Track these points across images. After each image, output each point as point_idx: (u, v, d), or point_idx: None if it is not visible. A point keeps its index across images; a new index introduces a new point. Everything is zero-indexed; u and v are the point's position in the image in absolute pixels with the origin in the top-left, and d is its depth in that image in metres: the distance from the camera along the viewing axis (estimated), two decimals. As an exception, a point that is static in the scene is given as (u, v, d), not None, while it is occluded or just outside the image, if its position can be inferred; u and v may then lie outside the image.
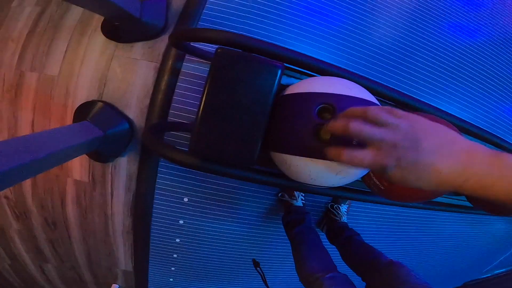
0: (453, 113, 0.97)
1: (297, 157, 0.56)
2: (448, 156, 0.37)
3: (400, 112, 0.41)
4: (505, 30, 1.78)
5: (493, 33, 1.74)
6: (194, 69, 1.27)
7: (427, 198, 0.77)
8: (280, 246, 1.68)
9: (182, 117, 1.29)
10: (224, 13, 1.27)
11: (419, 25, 1.55)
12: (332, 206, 1.61)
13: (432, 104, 0.91)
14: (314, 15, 1.37)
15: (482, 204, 1.13)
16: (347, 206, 1.62)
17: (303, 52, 0.99)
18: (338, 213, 1.58)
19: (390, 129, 0.39)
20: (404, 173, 0.39)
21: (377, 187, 0.76)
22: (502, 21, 1.77)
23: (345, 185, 0.92)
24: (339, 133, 0.42)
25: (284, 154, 0.60)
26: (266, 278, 1.19)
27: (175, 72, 1.25)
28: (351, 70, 1.25)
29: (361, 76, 0.75)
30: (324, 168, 0.55)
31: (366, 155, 0.40)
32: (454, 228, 2.17)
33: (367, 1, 1.45)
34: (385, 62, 1.49)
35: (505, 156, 0.36)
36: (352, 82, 0.60)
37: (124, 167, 1.34)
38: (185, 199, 1.44)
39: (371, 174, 0.77)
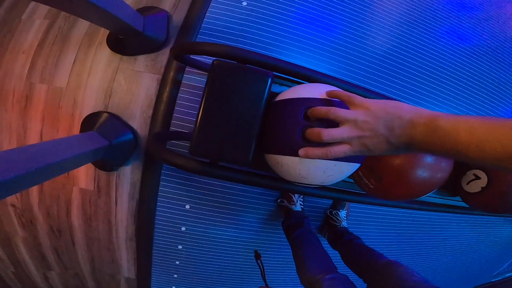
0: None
1: (287, 157, 0.61)
2: (398, 132, 0.46)
3: (356, 100, 0.51)
4: (497, 34, 1.81)
5: (485, 38, 1.78)
6: (194, 80, 1.32)
7: (413, 196, 0.80)
8: (280, 251, 1.69)
9: (183, 126, 1.33)
10: (222, 26, 1.33)
11: (413, 32, 1.59)
12: (331, 212, 1.63)
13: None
14: (310, 26, 1.42)
15: (476, 204, 1.15)
16: (346, 211, 1.64)
17: (299, 62, 1.03)
18: (337, 218, 1.60)
19: (351, 126, 0.49)
20: (375, 151, 0.49)
21: (367, 186, 0.80)
22: (493, 25, 1.81)
23: (340, 187, 0.96)
24: (317, 140, 0.51)
25: (276, 155, 0.64)
26: (265, 274, 1.20)
27: (177, 84, 1.30)
28: (346, 78, 1.29)
29: (345, 81, 0.80)
30: (312, 166, 0.60)
31: (342, 148, 0.50)
32: (460, 231, 2.17)
33: (361, 12, 1.50)
34: (379, 69, 1.53)
35: (440, 120, 0.43)
36: (335, 87, 0.65)
37: (128, 176, 1.38)
38: (187, 206, 1.47)
39: (361, 174, 0.81)
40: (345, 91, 0.56)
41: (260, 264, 1.20)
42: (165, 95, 1.29)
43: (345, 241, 1.44)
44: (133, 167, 1.37)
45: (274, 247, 1.69)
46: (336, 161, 0.59)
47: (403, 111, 0.47)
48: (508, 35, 1.83)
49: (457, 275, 2.51)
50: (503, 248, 2.59)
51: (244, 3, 1.35)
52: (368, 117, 0.48)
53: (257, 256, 1.22)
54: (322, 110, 0.53)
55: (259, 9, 1.36)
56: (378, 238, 1.83)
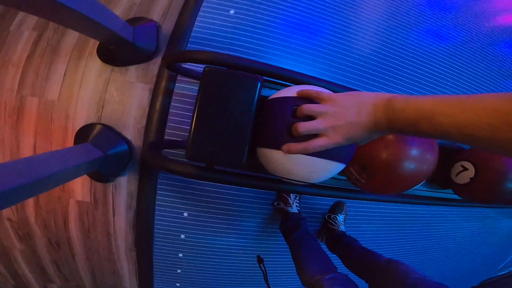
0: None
1: (275, 151, 0.63)
2: (365, 116, 0.50)
3: (324, 95, 0.56)
4: (474, 32, 1.88)
5: (462, 35, 1.84)
6: (186, 88, 1.34)
7: (403, 188, 0.83)
8: (281, 253, 1.71)
9: (177, 135, 1.35)
10: (211, 34, 1.35)
11: (395, 33, 1.64)
12: (329, 217, 1.65)
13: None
14: (297, 31, 1.45)
15: (467, 195, 1.18)
16: (344, 216, 1.66)
17: (288, 66, 1.03)
18: (335, 223, 1.62)
19: (324, 117, 0.53)
20: (351, 138, 0.52)
21: (359, 182, 0.82)
22: (470, 22, 1.88)
23: (334, 185, 0.98)
24: (296, 133, 0.55)
25: (266, 149, 0.67)
26: (268, 277, 1.21)
27: (169, 93, 1.32)
28: (333, 80, 1.31)
29: (330, 81, 0.82)
30: (296, 162, 0.63)
31: (320, 141, 0.53)
32: (459, 226, 2.22)
33: (345, 15, 1.54)
34: (364, 70, 1.58)
35: (394, 100, 0.48)
36: (321, 88, 0.68)
37: (124, 186, 1.39)
38: (185, 214, 1.48)
39: (352, 170, 0.83)
40: (314, 89, 0.61)
41: (263, 268, 1.21)
42: (158, 104, 1.31)
43: (344, 244, 1.46)
44: (129, 177, 1.38)
45: (275, 250, 1.70)
46: (319, 158, 0.61)
47: (366, 97, 0.52)
48: (483, 29, 1.90)
49: (463, 271, 2.55)
50: (506, 241, 2.64)
51: (232, 11, 1.38)
52: (337, 107, 0.53)
53: (260, 260, 1.24)
54: (299, 108, 0.57)
55: (247, 17, 1.39)
56: (378, 238, 1.86)
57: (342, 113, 0.52)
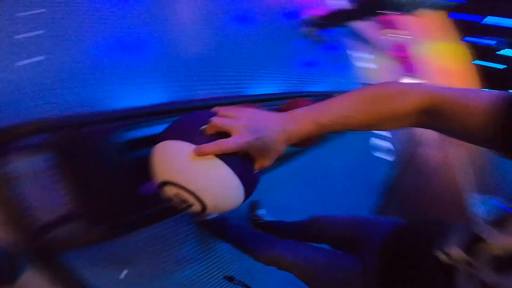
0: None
1: (184, 143, 0.57)
2: (274, 114, 0.60)
3: (240, 109, 0.61)
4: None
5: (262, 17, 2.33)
6: (29, 163, 0.99)
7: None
8: (240, 257, 1.72)
9: (49, 211, 1.11)
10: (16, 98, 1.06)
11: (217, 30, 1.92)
12: (253, 215, 1.83)
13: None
14: (124, 56, 1.42)
15: None
16: (263, 209, 1.87)
17: (123, 92, 0.99)
18: (260, 216, 1.80)
19: (238, 117, 0.57)
20: (262, 138, 0.56)
21: None
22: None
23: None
24: (211, 128, 0.57)
25: (172, 142, 0.59)
26: (247, 284, 1.26)
27: (9, 176, 1.00)
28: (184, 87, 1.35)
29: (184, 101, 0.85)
30: (200, 161, 0.57)
31: (232, 138, 0.55)
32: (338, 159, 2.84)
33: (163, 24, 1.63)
34: (204, 69, 1.81)
35: (295, 113, 0.60)
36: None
37: (34, 283, 1.13)
38: (124, 273, 1.35)
39: None
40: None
41: (239, 282, 1.25)
42: (4, 193, 1.02)
43: (278, 230, 1.58)
44: (31, 274, 1.11)
45: (233, 258, 1.79)
46: (224, 164, 0.57)
47: (270, 113, 0.61)
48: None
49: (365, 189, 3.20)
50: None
51: (20, 62, 1.09)
52: (251, 112, 0.59)
53: (230, 279, 1.27)
54: (213, 122, 0.57)
55: (52, 65, 1.14)
56: (296, 204, 2.20)
57: (255, 114, 0.59)
